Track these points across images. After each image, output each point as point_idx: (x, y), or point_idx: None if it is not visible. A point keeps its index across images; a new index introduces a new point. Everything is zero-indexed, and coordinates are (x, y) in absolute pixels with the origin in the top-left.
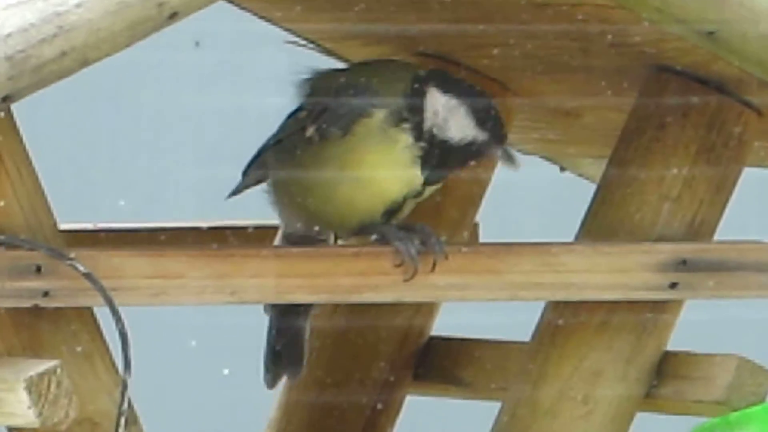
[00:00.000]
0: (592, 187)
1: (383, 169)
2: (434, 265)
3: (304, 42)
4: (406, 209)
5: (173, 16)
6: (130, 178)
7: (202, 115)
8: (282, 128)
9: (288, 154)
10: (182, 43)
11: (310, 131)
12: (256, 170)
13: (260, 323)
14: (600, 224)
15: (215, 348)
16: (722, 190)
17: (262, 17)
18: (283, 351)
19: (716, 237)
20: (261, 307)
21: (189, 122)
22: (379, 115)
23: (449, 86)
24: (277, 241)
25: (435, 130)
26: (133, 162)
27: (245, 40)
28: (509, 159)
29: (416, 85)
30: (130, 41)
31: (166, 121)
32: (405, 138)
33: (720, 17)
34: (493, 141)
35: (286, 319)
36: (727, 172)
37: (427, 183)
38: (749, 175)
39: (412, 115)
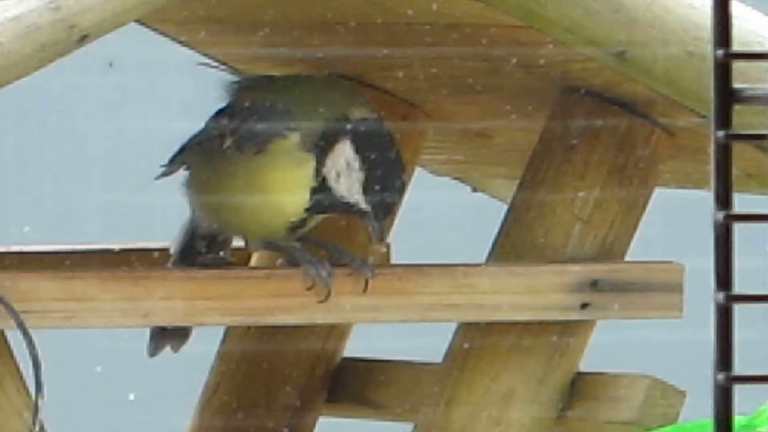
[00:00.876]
0: (503, 208)
1: (287, 187)
2: (366, 285)
3: (215, 64)
4: (310, 224)
5: (83, 39)
6: (36, 202)
7: (109, 137)
8: (205, 128)
9: (206, 157)
10: (94, 65)
11: (228, 142)
12: (178, 164)
13: (184, 353)
14: (511, 245)
15: (121, 373)
16: (633, 211)
17: (173, 39)
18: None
19: (627, 258)
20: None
21: (96, 145)
22: (294, 137)
23: (367, 146)
24: (172, 257)
25: (327, 177)
26: (38, 186)
27: (155, 62)
28: (377, 233)
29: (336, 127)
30: (40, 64)
31: (73, 144)
32: (312, 164)
33: (630, 38)
34: (373, 216)
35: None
36: (638, 192)
37: (309, 210)
38: (660, 195)
39: (318, 151)
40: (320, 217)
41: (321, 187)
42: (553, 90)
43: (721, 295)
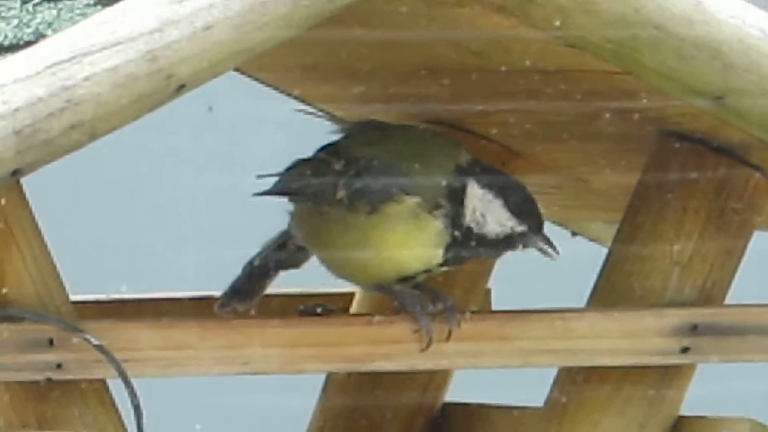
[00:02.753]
0: (602, 252)
1: (404, 249)
2: (449, 334)
3: (312, 110)
4: (420, 278)
5: (180, 89)
6: (133, 256)
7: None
8: (313, 160)
9: (316, 200)
10: (192, 114)
11: (341, 194)
12: (281, 190)
13: (265, 405)
14: (611, 289)
15: (220, 430)
16: (732, 255)
17: (270, 86)
18: (243, 283)
19: (727, 301)
20: (265, 388)
21: (190, 200)
22: (410, 202)
23: (487, 179)
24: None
25: (473, 225)
26: (135, 240)
27: (251, 114)
28: (547, 247)
29: (456, 176)
30: (138, 114)
31: (168, 198)
32: (436, 225)
33: (727, 83)
34: (531, 232)
35: (265, 258)
36: (737, 236)
37: (446, 264)
38: (760, 238)
39: (449, 205)
40: (447, 268)
41: (458, 240)
42: (651, 135)
43: None
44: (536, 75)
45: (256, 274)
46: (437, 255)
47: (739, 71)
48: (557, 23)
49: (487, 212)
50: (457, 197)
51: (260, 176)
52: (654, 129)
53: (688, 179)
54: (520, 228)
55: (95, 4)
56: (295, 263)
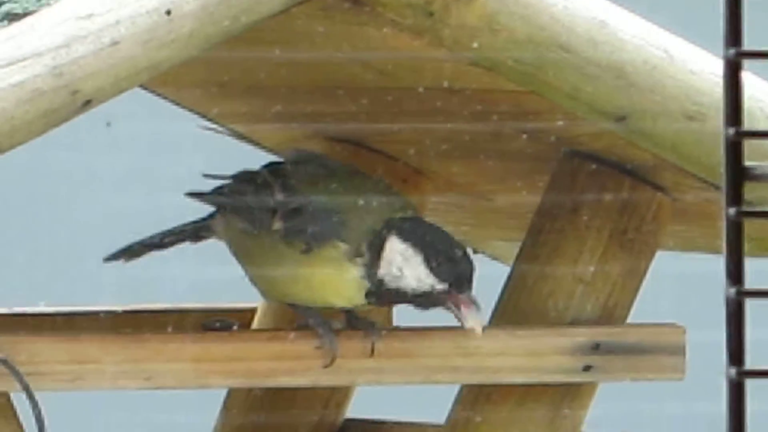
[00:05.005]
0: (504, 270)
1: (329, 289)
2: (372, 348)
3: (216, 128)
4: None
5: (87, 104)
6: (46, 272)
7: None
8: (254, 179)
9: (251, 223)
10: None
11: (277, 225)
12: (215, 200)
13: (179, 421)
14: (513, 307)
15: None
16: (635, 274)
17: (174, 103)
18: (139, 248)
19: (629, 320)
20: (182, 403)
21: (103, 214)
22: (342, 247)
23: (414, 234)
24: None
25: (388, 278)
26: (49, 255)
27: (157, 130)
28: (466, 312)
29: (383, 228)
30: (44, 129)
31: (80, 214)
32: (354, 272)
33: (631, 103)
34: (454, 290)
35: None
36: (640, 255)
37: (370, 305)
38: (661, 258)
39: (368, 254)
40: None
41: (377, 292)
42: (554, 155)
43: (733, 371)
44: (442, 94)
45: (156, 245)
46: (359, 297)
47: (644, 91)
48: (464, 44)
49: (405, 267)
50: (377, 248)
51: (189, 194)
52: (558, 148)
53: (591, 198)
54: (440, 287)
55: (2, 20)
56: (194, 241)
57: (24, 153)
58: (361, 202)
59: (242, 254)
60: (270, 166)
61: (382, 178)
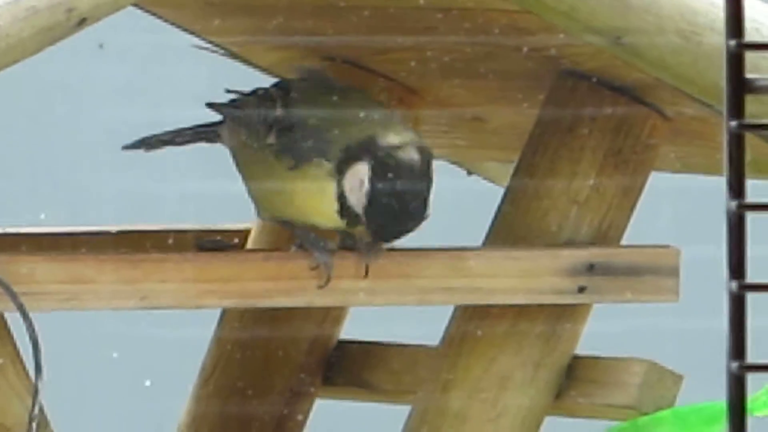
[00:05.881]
0: (498, 192)
1: (312, 209)
2: (367, 269)
3: (210, 47)
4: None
5: (82, 22)
6: (48, 189)
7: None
8: (261, 96)
9: (249, 135)
10: (87, 49)
11: (271, 139)
12: (222, 109)
13: (181, 336)
14: (508, 229)
15: (137, 359)
16: (630, 195)
17: (169, 22)
18: (155, 142)
19: (624, 241)
20: (182, 320)
21: (103, 131)
22: (325, 166)
23: (387, 171)
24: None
25: (344, 189)
26: (50, 172)
27: (153, 47)
28: (364, 256)
29: (360, 148)
30: (39, 47)
31: (80, 130)
32: (333, 191)
33: (626, 24)
34: (371, 232)
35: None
36: (635, 176)
37: (349, 226)
38: (655, 179)
39: (341, 173)
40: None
41: (342, 204)
42: (550, 74)
43: (734, 285)
44: (437, 12)
45: (174, 141)
46: (337, 217)
47: (639, 11)
48: None
49: (354, 191)
50: (347, 167)
51: (208, 105)
52: (552, 68)
53: (585, 118)
54: (364, 220)
55: None
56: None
57: (19, 69)
58: (352, 121)
59: (241, 165)
60: (279, 83)
61: (382, 102)
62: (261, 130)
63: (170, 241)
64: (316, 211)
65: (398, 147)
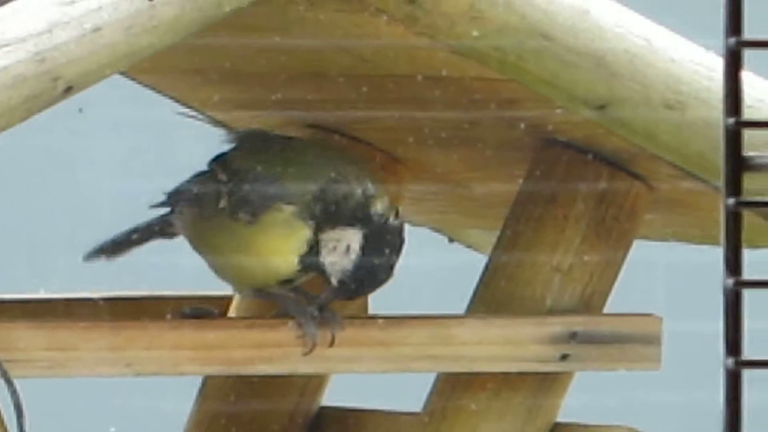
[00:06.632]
0: (481, 259)
1: (279, 254)
2: (333, 338)
3: (194, 114)
4: (301, 279)
5: (68, 90)
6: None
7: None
8: (204, 174)
9: (200, 209)
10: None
11: (223, 203)
12: (173, 203)
13: (155, 407)
14: (491, 296)
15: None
16: (612, 264)
17: (153, 90)
18: (115, 246)
19: (606, 310)
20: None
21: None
22: (288, 210)
23: (375, 241)
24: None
25: (322, 244)
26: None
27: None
28: (309, 324)
29: (356, 210)
30: (26, 115)
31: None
32: (303, 233)
33: (610, 92)
34: (332, 293)
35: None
36: (618, 244)
37: (301, 272)
38: (639, 247)
39: (321, 219)
40: (311, 274)
41: (309, 251)
42: (533, 143)
43: (731, 361)
44: (420, 82)
45: (131, 243)
46: (296, 261)
47: (624, 80)
48: (444, 31)
49: (338, 253)
50: (334, 221)
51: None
52: (536, 137)
53: (569, 187)
54: (334, 282)
55: None
56: (169, 237)
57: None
58: (306, 164)
59: (201, 245)
60: (215, 158)
61: (325, 143)
62: (211, 201)
63: (149, 310)
64: (280, 254)
65: (388, 216)
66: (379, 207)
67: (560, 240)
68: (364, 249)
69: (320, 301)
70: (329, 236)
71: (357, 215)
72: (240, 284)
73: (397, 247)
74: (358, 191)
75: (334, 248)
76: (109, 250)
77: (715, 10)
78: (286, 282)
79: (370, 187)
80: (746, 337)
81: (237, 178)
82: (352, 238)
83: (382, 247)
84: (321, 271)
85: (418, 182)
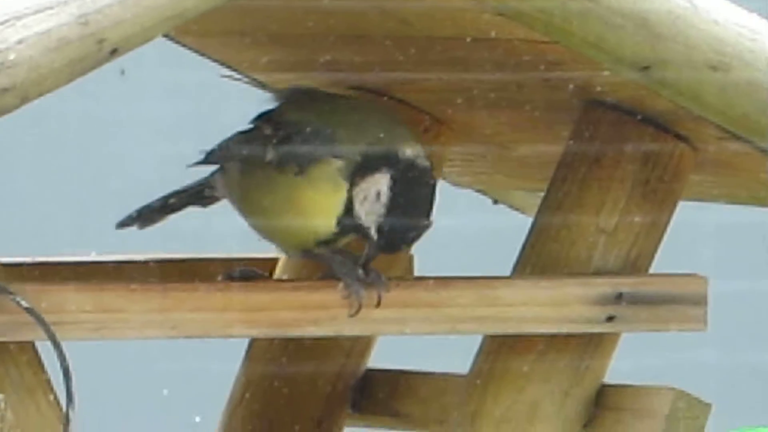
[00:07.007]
0: (526, 221)
1: (320, 211)
2: (379, 299)
3: (238, 76)
4: (342, 241)
5: (113, 53)
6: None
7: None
8: (249, 131)
9: (246, 165)
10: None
11: (270, 155)
12: (216, 158)
13: (202, 369)
14: (536, 258)
15: (187, 395)
16: (658, 224)
17: (195, 52)
18: (150, 212)
19: (652, 270)
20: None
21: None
22: (336, 164)
23: (403, 186)
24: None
25: (354, 198)
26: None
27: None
28: (353, 282)
29: (383, 158)
30: (70, 78)
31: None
32: (343, 192)
33: (654, 53)
34: (375, 246)
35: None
36: (663, 205)
37: (338, 234)
38: (683, 208)
39: (355, 177)
40: (351, 236)
41: (347, 211)
42: (577, 104)
43: None
44: (465, 43)
45: (166, 209)
46: (333, 222)
47: (667, 41)
48: None
49: (368, 202)
50: (365, 174)
51: (191, 165)
52: (580, 98)
53: (614, 149)
54: (372, 234)
55: None
56: (204, 205)
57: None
58: (356, 123)
59: (244, 203)
60: (259, 116)
61: (383, 106)
62: (256, 155)
63: (196, 272)
64: (322, 211)
65: (415, 158)
66: (407, 151)
67: (605, 201)
68: (394, 191)
69: (364, 259)
70: (359, 188)
71: (383, 161)
72: (281, 244)
73: (429, 189)
74: (385, 138)
75: (365, 198)
76: (145, 218)
77: None
78: (325, 243)
79: (398, 133)
80: None
81: (286, 131)
82: (380, 181)
83: (411, 187)
84: (358, 228)
85: (464, 144)
